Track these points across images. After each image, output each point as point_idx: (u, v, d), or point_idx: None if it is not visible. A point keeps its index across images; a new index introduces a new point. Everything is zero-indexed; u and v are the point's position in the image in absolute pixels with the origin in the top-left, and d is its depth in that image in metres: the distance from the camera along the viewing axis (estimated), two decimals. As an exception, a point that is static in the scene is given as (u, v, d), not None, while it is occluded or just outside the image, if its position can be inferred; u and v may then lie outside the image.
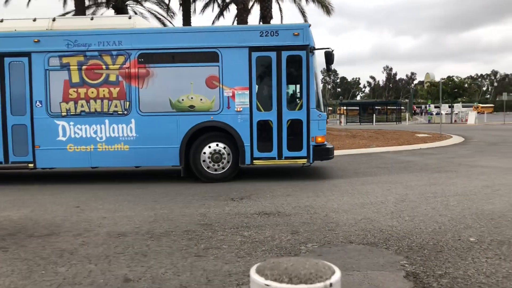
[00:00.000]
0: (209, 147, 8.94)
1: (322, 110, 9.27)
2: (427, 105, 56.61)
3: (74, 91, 8.87)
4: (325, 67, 9.62)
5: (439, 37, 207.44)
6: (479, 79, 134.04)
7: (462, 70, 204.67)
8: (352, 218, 5.60)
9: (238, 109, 8.83)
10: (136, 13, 28.79)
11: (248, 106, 8.84)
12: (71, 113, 8.88)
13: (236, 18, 22.57)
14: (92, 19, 9.43)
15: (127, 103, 8.87)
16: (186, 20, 24.91)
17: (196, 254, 4.30)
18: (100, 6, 27.47)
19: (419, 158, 12.06)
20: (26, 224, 5.63)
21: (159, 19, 28.34)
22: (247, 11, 23.18)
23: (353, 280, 3.61)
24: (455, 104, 49.87)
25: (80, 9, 20.65)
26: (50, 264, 4.08)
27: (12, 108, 8.90)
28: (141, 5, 27.86)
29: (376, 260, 4.06)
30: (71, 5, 24.85)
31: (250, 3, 25.33)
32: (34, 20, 9.32)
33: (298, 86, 9.09)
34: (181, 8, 25.15)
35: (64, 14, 27.17)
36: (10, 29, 9.11)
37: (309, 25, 8.93)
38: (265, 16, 26.04)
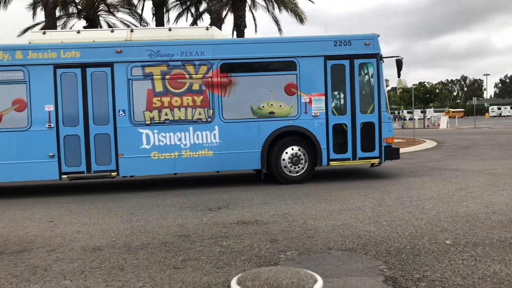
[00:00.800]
0: (289, 150, 9.48)
1: (389, 113, 10.03)
2: (400, 111, 57.69)
3: (158, 100, 9.14)
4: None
5: (409, 44, 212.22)
6: (450, 85, 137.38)
7: (432, 76, 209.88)
8: (330, 225, 5.61)
9: (315, 114, 9.44)
10: (108, 24, 28.50)
11: (324, 111, 9.45)
12: (155, 122, 9.13)
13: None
14: (170, 30, 9.71)
15: (211, 111, 9.23)
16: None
17: (175, 266, 4.23)
18: (71, 16, 27.11)
19: (394, 163, 12.22)
20: (-3, 241, 5.44)
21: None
22: (221, 20, 23.24)
23: (332, 286, 3.61)
24: (427, 109, 50.95)
25: (50, 20, 20.31)
26: (23, 282, 3.95)
27: (94, 117, 9.03)
28: (113, 15, 27.59)
29: (355, 266, 4.07)
30: (40, 16, 24.41)
31: (224, 12, 25.43)
32: (112, 31, 9.69)
33: (369, 91, 9.75)
34: (154, 18, 25.01)
35: (34, 25, 26.69)
36: (88, 40, 9.21)
37: (378, 36, 9.61)
38: (239, 25, 26.16)
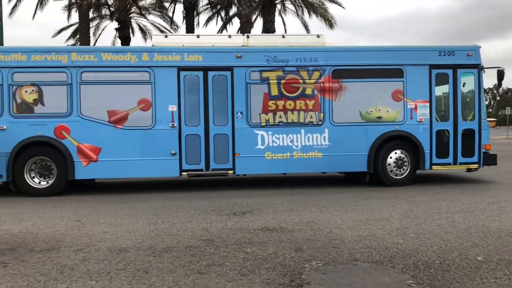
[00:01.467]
0: (393, 154, 9.94)
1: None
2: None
3: (273, 103, 9.66)
4: None
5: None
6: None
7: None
8: (356, 235, 5.52)
9: (420, 120, 9.94)
10: (139, 26, 28.98)
11: (428, 117, 9.96)
12: (270, 124, 9.64)
13: (239, 32, 22.70)
14: (283, 36, 10.33)
15: (322, 114, 9.75)
16: (190, 33, 25.02)
17: (199, 271, 4.23)
18: (104, 18, 27.69)
19: (422, 173, 11.97)
20: (27, 238, 5.56)
21: (162, 32, 28.49)
22: (250, 25, 23.33)
23: (359, 300, 3.53)
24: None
25: (84, 21, 20.79)
26: (51, 281, 4.01)
27: (214, 118, 9.54)
28: (145, 18, 28.04)
29: (382, 279, 3.98)
30: (75, 17, 25.01)
31: (253, 17, 25.50)
32: (230, 36, 10.25)
33: (470, 99, 10.24)
34: (184, 21, 25.30)
35: (68, 27, 27.37)
36: (207, 44, 9.72)
37: (480, 47, 10.14)
38: (268, 29, 26.17)
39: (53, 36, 27.88)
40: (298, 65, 9.64)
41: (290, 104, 9.63)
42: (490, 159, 10.15)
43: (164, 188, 10.10)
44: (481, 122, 10.05)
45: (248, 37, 10.13)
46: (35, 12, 23.96)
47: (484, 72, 10.22)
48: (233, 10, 26.24)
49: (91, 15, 23.73)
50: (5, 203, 8.27)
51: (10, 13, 22.95)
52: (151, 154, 9.31)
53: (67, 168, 9.09)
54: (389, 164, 9.86)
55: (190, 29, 24.99)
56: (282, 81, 9.59)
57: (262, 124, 9.58)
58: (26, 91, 9.10)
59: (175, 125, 9.35)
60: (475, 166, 10.10)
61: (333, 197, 8.43)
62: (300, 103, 9.65)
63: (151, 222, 6.41)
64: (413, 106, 9.89)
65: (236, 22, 27.75)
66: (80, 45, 21.86)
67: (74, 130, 9.13)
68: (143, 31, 29.22)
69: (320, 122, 9.67)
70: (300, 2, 25.93)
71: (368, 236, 5.48)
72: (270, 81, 9.57)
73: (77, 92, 9.16)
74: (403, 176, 9.98)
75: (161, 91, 9.32)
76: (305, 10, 26.09)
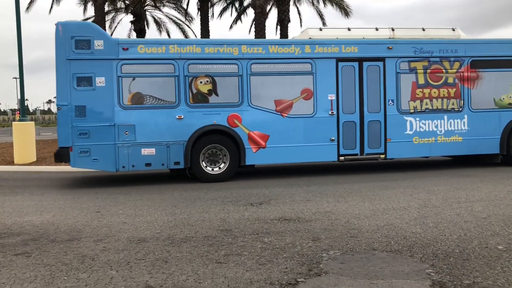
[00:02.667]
0: None
1: None
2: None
3: (420, 91, 10.41)
4: None
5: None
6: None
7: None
8: (374, 225, 5.50)
9: None
10: (154, 18, 29.03)
11: None
12: (417, 110, 10.41)
13: (254, 22, 22.59)
14: (423, 30, 10.97)
15: (462, 101, 10.57)
16: (204, 24, 25.01)
17: (217, 261, 4.26)
18: (119, 11, 27.81)
19: (439, 162, 11.84)
20: (48, 229, 5.67)
21: (177, 24, 28.50)
22: (265, 15, 23.20)
23: (377, 289, 3.52)
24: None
25: (99, 15, 20.92)
26: (72, 270, 4.09)
27: (368, 106, 10.20)
28: (160, 10, 28.07)
29: (401, 268, 3.96)
30: (91, 11, 25.19)
31: (268, 7, 25.34)
32: (377, 29, 10.81)
33: None
34: (199, 13, 25.26)
35: (85, 20, 27.57)
36: (357, 36, 10.43)
37: None
38: (283, 19, 25.99)
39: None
40: (441, 56, 10.43)
41: (435, 92, 10.45)
42: None
43: (180, 179, 10.17)
44: None
45: (393, 30, 10.75)
46: (51, 7, 24.21)
47: None
48: (247, 0, 26.13)
49: (106, 8, 23.86)
50: (26, 195, 8.43)
51: (27, 8, 23.24)
52: (312, 140, 9.96)
53: (240, 154, 9.63)
54: None
55: (204, 20, 24.95)
56: (428, 71, 10.38)
57: (411, 111, 10.37)
58: (201, 82, 9.55)
59: (334, 113, 10.05)
60: None
61: (350, 187, 8.39)
62: (443, 91, 10.49)
63: (169, 213, 6.47)
64: None
65: (250, 12, 27.62)
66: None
67: (245, 119, 9.69)
68: (158, 24, 29.28)
69: (460, 109, 10.55)
70: (316, -9, 25.69)
71: (386, 225, 5.45)
72: (418, 70, 10.35)
73: (247, 83, 9.69)
74: None
75: (321, 81, 9.97)
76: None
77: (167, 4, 27.45)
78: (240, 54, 9.62)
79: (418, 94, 10.35)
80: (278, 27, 26.78)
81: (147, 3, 27.27)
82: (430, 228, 5.27)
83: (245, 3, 26.93)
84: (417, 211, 6.18)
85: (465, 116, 10.54)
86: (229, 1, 27.33)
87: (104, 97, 9.09)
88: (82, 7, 26.14)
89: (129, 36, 29.15)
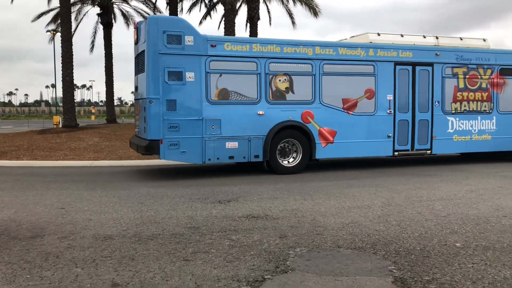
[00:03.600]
0: None
1: None
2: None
3: (460, 94, 11.68)
4: None
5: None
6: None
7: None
8: (339, 222, 5.62)
9: None
10: (122, 11, 28.53)
11: None
12: (458, 111, 11.67)
13: (224, 19, 22.51)
14: (461, 39, 12.30)
15: (492, 104, 12.01)
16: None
17: (185, 258, 4.27)
18: (85, 3, 27.17)
19: (402, 161, 12.17)
20: (9, 226, 5.52)
21: (145, 18, 28.09)
22: (235, 12, 23.18)
23: (342, 285, 3.62)
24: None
25: (64, 6, 20.38)
26: (35, 268, 4.01)
27: (419, 106, 11.29)
28: (127, 3, 27.62)
29: (365, 265, 4.08)
30: (56, 2, 24.48)
31: (238, 4, 25.30)
32: (424, 37, 11.97)
33: None
34: (168, 7, 24.98)
35: (48, 11, 26.80)
36: (408, 42, 11.51)
37: None
38: (253, 17, 26.02)
39: (32, 21, 27.32)
40: (478, 63, 11.79)
41: (471, 96, 11.78)
42: None
43: (148, 176, 10.08)
44: None
45: (437, 38, 12.07)
46: (14, -4, 23.41)
47: None
48: (217, -4, 26.01)
49: (72, 0, 23.26)
50: (-14, 191, 8.16)
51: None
52: (373, 136, 10.89)
53: (311, 149, 10.31)
54: None
55: (173, 14, 24.69)
56: (467, 76, 11.70)
57: (452, 111, 11.61)
58: (279, 80, 10.10)
59: (391, 111, 11.02)
60: None
61: (316, 185, 8.53)
62: (478, 94, 11.85)
63: (136, 210, 6.42)
64: None
65: (220, 8, 27.55)
66: (60, 30, 21.46)
67: (316, 116, 10.36)
68: (126, 17, 28.81)
69: (490, 111, 11.98)
70: (285, -11, 25.84)
71: (351, 223, 5.58)
72: (459, 76, 11.63)
73: (319, 82, 10.38)
74: None
75: (382, 82, 10.90)
76: (290, -2, 26.00)
77: (135, -3, 27.03)
78: (314, 55, 10.31)
79: (458, 97, 11.64)
80: (248, 24, 26.81)
81: (115, -5, 26.80)
82: (392, 226, 5.44)
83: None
84: (381, 209, 6.36)
85: (494, 117, 12.01)
86: (199, -3, 27.13)
87: (193, 92, 9.43)
88: (46, -2, 25.39)
89: (95, 29, 28.56)
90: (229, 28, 21.72)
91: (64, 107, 21.39)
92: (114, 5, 27.44)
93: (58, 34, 23.77)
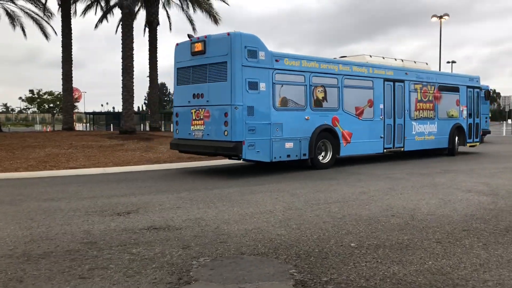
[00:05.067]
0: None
1: None
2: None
3: (418, 104, 15.21)
4: None
5: (318, 50, 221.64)
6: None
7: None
8: (243, 229, 5.67)
9: (464, 116, 17.07)
10: (7, 11, 26.34)
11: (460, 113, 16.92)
12: (417, 118, 15.11)
13: (121, 23, 21.80)
14: (415, 62, 16.15)
15: (434, 112, 15.83)
16: (66, 21, 23.45)
17: (81, 276, 4.01)
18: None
19: (300, 165, 12.68)
20: None
21: (34, 19, 26.19)
22: (133, 16, 22.54)
23: (245, 292, 3.64)
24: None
25: None
26: None
27: (397, 113, 14.35)
28: (13, 3, 25.55)
29: (267, 271, 4.15)
30: None
31: (136, 8, 24.64)
32: (395, 59, 15.38)
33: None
34: (60, 9, 23.57)
35: None
36: (393, 64, 14.92)
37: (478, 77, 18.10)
38: (152, 21, 25.51)
39: None
40: (427, 81, 15.40)
41: (424, 106, 15.24)
42: None
43: (38, 189, 9.36)
44: None
45: (402, 60, 15.44)
46: None
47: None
48: (114, 0, 25.10)
49: None
50: None
51: None
52: (372, 137, 13.59)
53: (338, 148, 12.56)
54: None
55: (66, 17, 23.38)
56: (422, 91, 15.18)
57: (415, 118, 14.92)
58: (318, 91, 12.23)
59: (382, 117, 13.89)
60: None
61: (220, 192, 8.54)
62: (427, 105, 15.37)
63: (25, 227, 5.90)
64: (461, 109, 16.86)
65: (117, 12, 26.60)
66: None
67: (340, 120, 12.68)
68: (11, 17, 26.62)
69: (434, 117, 15.61)
70: (185, -4, 25.73)
71: (254, 229, 5.67)
72: (417, 90, 15.03)
73: (341, 93, 12.76)
74: None
75: (377, 94, 13.70)
76: (190, 5, 25.92)
77: (22, -4, 25.13)
78: (338, 71, 12.72)
79: (418, 107, 15.01)
80: (147, 29, 26.22)
81: (-2, -7, 24.68)
82: (293, 230, 5.61)
83: (112, 2, 25.86)
84: (282, 214, 6.54)
85: (436, 122, 15.67)
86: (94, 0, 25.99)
87: (264, 100, 10.97)
88: None
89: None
90: (127, 33, 21.08)
91: None
92: (-2, 4, 25.24)
93: None
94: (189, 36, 11.97)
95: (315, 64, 12.17)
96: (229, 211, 6.79)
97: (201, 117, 11.23)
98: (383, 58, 14.79)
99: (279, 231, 5.55)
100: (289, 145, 11.43)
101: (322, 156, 12.41)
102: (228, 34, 10.58)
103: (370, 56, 14.52)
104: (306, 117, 11.83)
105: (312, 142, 11.88)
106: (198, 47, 11.21)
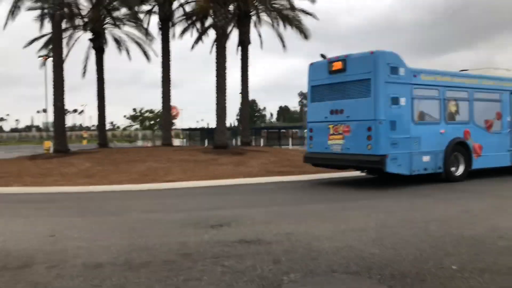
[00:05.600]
0: None
1: None
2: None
3: None
4: None
5: (414, 60, 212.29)
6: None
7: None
8: (334, 246, 5.55)
9: None
10: (114, 37, 28.69)
11: None
12: None
13: (215, 43, 22.71)
14: (508, 70, 14.73)
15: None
16: (165, 43, 24.96)
17: (176, 286, 4.19)
18: (77, 29, 27.30)
19: (397, 181, 12.18)
20: (-3, 255, 5.39)
21: (137, 43, 28.24)
22: (226, 36, 23.38)
23: (337, 312, 3.55)
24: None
25: (57, 32, 20.49)
26: (23, 300, 3.90)
27: None
28: (119, 29, 27.78)
29: (360, 290, 4.01)
30: (48, 27, 24.57)
31: (229, 28, 25.57)
32: (508, 70, 14.74)
33: None
34: (160, 32, 25.18)
35: (41, 37, 26.89)
36: (506, 74, 14.32)
37: None
38: (244, 41, 26.28)
39: (24, 47, 27.31)
40: None
41: None
42: None
43: (139, 201, 9.98)
44: None
45: (508, 70, 14.70)
46: (6, 22, 23.46)
47: None
48: (209, 21, 26.28)
49: (64, 26, 23.37)
50: (-26, 219, 8.01)
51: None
52: (500, 150, 13.26)
53: (470, 161, 12.40)
54: None
55: (165, 40, 24.90)
56: None
57: None
58: (451, 104, 12.29)
59: (510, 130, 13.54)
60: None
61: (310, 208, 8.47)
62: None
63: (127, 237, 6.31)
64: None
65: (211, 33, 27.77)
66: (52, 55, 21.47)
67: (472, 134, 12.57)
68: (118, 42, 28.96)
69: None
70: (276, 14, 26.16)
71: (346, 247, 5.52)
72: None
73: (472, 106, 12.68)
74: None
75: (504, 107, 13.47)
76: (281, 22, 26.33)
77: (127, 22, 27.22)
78: (468, 84, 12.68)
79: None
80: (239, 47, 27.05)
81: (107, 21, 26.95)
82: (387, 249, 5.38)
83: (207, 24, 27.05)
84: (375, 232, 6.31)
85: None
86: (190, 22, 27.37)
87: (404, 114, 11.26)
88: (38, 23, 25.47)
89: (87, 54, 28.66)
90: (221, 52, 21.90)
91: (55, 132, 21.23)
92: (106, 31, 27.61)
93: (50, 59, 23.82)
94: (322, 56, 12.67)
95: (448, 79, 12.31)
96: (319, 227, 6.69)
97: (340, 132, 11.66)
98: (507, 70, 14.48)
99: (372, 250, 5.35)
100: (426, 158, 11.55)
101: (454, 169, 12.24)
102: (372, 52, 11.08)
103: (495, 69, 14.41)
104: (441, 131, 11.93)
105: (447, 155, 11.92)
106: (338, 65, 11.73)
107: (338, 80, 11.78)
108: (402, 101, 11.24)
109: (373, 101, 10.90)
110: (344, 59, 11.67)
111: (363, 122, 11.09)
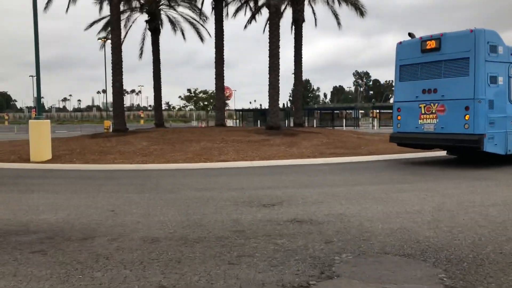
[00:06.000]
0: None
1: None
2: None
3: None
4: None
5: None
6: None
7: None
8: (387, 228, 5.47)
9: None
10: (169, 18, 29.19)
11: None
12: None
13: (268, 22, 22.58)
14: None
15: None
16: (218, 24, 25.10)
17: (229, 262, 4.29)
18: (134, 11, 28.02)
19: (453, 164, 11.74)
20: (63, 228, 5.75)
21: (191, 23, 28.62)
22: (279, 15, 23.18)
23: (390, 293, 3.52)
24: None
25: (115, 14, 21.11)
26: (87, 269, 4.15)
27: None
28: (174, 9, 28.22)
29: (414, 273, 3.94)
30: (106, 10, 25.39)
31: (282, 7, 25.30)
32: None
33: None
34: (213, 12, 25.34)
35: (100, 19, 27.84)
36: None
37: None
38: (298, 19, 25.98)
39: (85, 29, 28.44)
40: None
41: None
42: None
43: (193, 179, 10.24)
44: None
45: None
46: (68, 6, 24.47)
47: None
48: (262, 0, 26.11)
49: (121, 8, 24.04)
50: (41, 193, 8.56)
51: (45, 8, 23.50)
52: None
53: None
54: None
55: (218, 20, 25.03)
56: None
57: None
58: None
59: None
60: None
61: (363, 189, 8.36)
62: None
63: (182, 213, 6.52)
64: None
65: (265, 12, 27.59)
66: (110, 37, 22.17)
67: None
68: (173, 23, 29.47)
69: None
70: (330, -9, 25.62)
71: (399, 229, 5.42)
72: None
73: None
74: None
75: None
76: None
77: (181, 3, 27.59)
78: None
79: None
80: (293, 26, 26.74)
81: (162, 2, 27.45)
82: (443, 233, 5.23)
83: (260, 3, 26.91)
84: (431, 215, 6.14)
85: None
86: (243, 1, 27.35)
87: (501, 93, 11.17)
88: (98, 6, 26.37)
89: (144, 36, 29.38)
90: (274, 31, 21.76)
91: (114, 112, 22.10)
92: (162, 12, 28.14)
93: (109, 42, 24.62)
94: (410, 34, 12.51)
95: None
96: (372, 209, 6.60)
97: (433, 111, 11.57)
98: None
99: (427, 233, 5.22)
100: None
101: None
102: (471, 31, 10.86)
103: None
104: None
105: None
106: (432, 44, 11.57)
107: (431, 59, 11.63)
108: (500, 80, 11.11)
109: (472, 80, 10.79)
110: (438, 38, 11.48)
111: (460, 101, 10.99)
